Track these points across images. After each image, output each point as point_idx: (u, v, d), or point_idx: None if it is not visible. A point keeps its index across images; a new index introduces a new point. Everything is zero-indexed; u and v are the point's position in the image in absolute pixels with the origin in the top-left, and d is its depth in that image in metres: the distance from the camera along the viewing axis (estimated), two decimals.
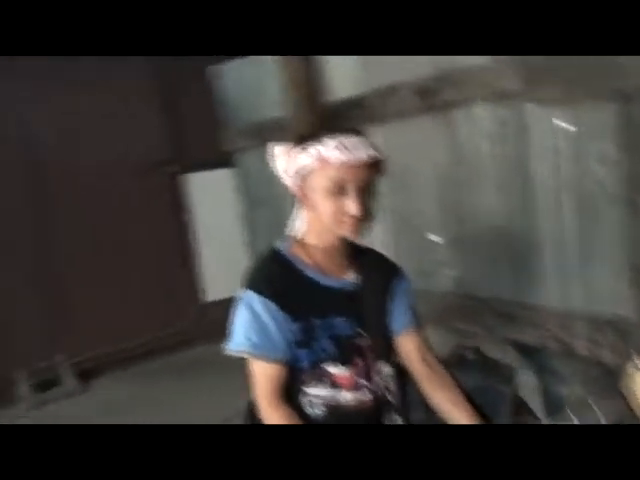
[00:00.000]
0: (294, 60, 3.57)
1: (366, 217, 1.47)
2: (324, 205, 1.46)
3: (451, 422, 1.52)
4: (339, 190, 1.43)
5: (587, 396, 2.23)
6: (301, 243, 1.58)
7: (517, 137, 2.65)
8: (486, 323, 2.92)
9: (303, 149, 1.47)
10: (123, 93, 4.17)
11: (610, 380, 2.29)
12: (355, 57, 3.35)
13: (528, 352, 2.81)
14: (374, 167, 1.47)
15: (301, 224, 1.62)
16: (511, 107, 2.64)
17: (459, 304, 3.07)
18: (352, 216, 1.44)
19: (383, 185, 3.17)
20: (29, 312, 3.98)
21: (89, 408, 3.73)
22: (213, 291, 4.61)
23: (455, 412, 1.52)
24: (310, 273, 1.54)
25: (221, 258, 4.55)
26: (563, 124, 2.45)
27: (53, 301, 4.09)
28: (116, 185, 4.25)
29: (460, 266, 3.07)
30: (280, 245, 1.60)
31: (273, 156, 1.56)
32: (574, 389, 2.63)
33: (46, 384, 3.94)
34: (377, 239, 3.39)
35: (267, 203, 4.44)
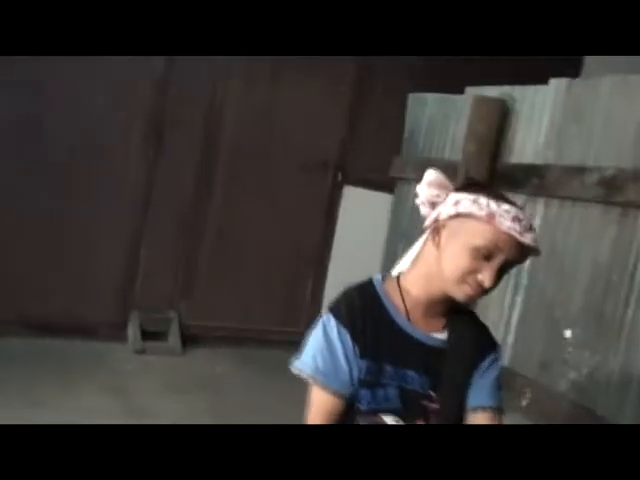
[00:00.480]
0: (490, 111, 3.50)
1: (488, 291, 1.38)
2: (459, 259, 1.36)
3: None
4: (486, 255, 1.34)
5: None
6: (399, 283, 1.49)
7: None
8: None
9: (473, 196, 1.37)
10: (323, 92, 4.36)
11: None
12: (549, 129, 3.23)
13: None
14: (525, 252, 1.38)
15: (408, 264, 1.53)
16: None
17: (571, 411, 2.85)
18: (480, 284, 1.35)
19: (540, 262, 3.13)
20: (163, 263, 4.21)
21: (184, 369, 3.89)
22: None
23: None
24: (395, 315, 1.45)
25: (350, 278, 4.53)
26: None
27: (187, 262, 4.28)
28: (281, 175, 4.38)
29: (585, 373, 2.84)
30: (377, 277, 1.52)
31: (426, 181, 1.45)
32: None
33: (154, 335, 4.14)
34: (515, 312, 3.26)
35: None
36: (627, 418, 2.61)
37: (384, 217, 4.69)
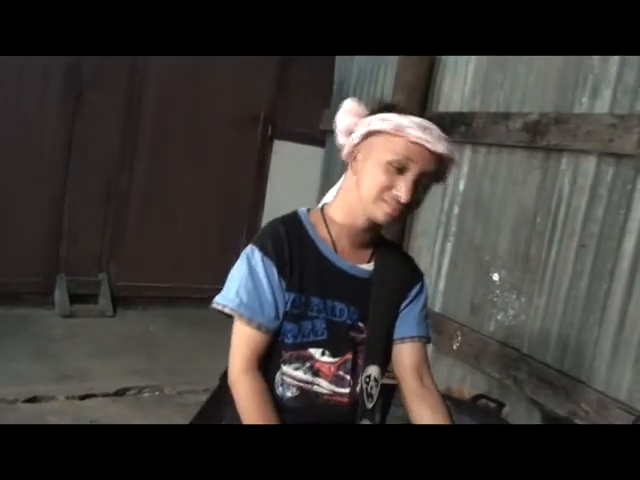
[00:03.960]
0: (418, 61, 3.51)
1: (408, 208, 1.35)
2: (374, 175, 1.34)
3: None
4: (398, 169, 1.32)
5: None
6: (324, 214, 1.46)
7: (617, 205, 2.49)
8: (519, 379, 2.78)
9: (383, 115, 1.35)
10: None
11: None
12: (475, 78, 3.27)
13: (552, 422, 2.67)
14: (442, 165, 1.36)
15: (333, 195, 1.51)
16: (622, 172, 2.49)
17: (498, 351, 2.94)
18: (397, 200, 1.32)
19: (467, 209, 3.18)
20: (88, 225, 4.08)
21: (115, 332, 3.82)
22: None
23: None
24: (322, 247, 1.43)
25: None
26: None
27: (114, 222, 4.16)
28: (210, 130, 4.30)
29: (512, 315, 2.93)
30: (302, 210, 1.49)
31: (344, 110, 1.41)
32: None
33: (83, 298, 4.03)
34: (446, 257, 3.32)
35: None
36: (550, 356, 2.71)
37: (316, 171, 4.67)
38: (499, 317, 3.00)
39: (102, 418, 2.74)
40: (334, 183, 4.82)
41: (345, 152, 1.44)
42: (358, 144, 1.40)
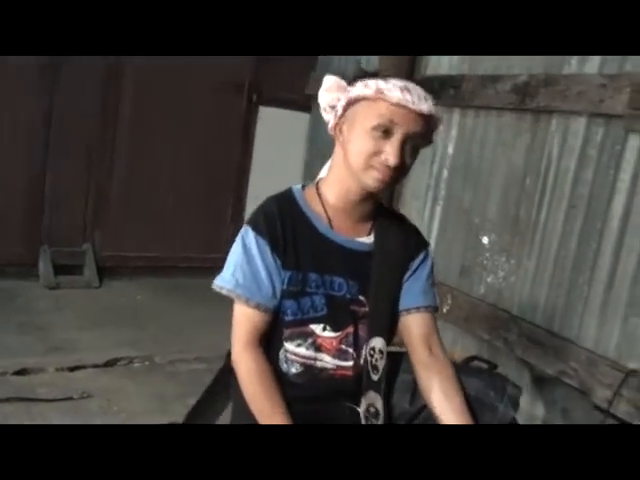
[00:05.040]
0: None
1: (397, 173, 1.34)
2: (360, 143, 1.33)
3: (437, 414, 1.39)
4: (383, 132, 1.30)
5: None
6: (319, 190, 1.46)
7: (606, 165, 2.49)
8: (510, 340, 2.81)
9: (363, 82, 1.34)
10: None
11: None
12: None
13: (542, 382, 2.71)
14: (428, 125, 1.34)
15: (325, 170, 1.50)
16: (612, 132, 2.48)
17: (489, 313, 2.96)
18: (385, 164, 1.31)
19: (457, 172, 3.18)
20: (71, 195, 4.01)
21: (102, 302, 3.79)
22: None
23: (445, 404, 1.38)
24: (316, 222, 1.42)
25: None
26: None
27: (97, 192, 4.10)
28: (194, 97, 4.23)
29: (502, 277, 2.95)
30: (296, 187, 1.48)
31: (324, 87, 1.41)
32: None
33: (68, 269, 3.98)
34: (435, 222, 3.32)
35: (330, 157, 4.36)
36: (540, 317, 2.73)
37: (302, 137, 4.62)
38: (489, 280, 3.02)
39: (94, 389, 2.72)
40: (320, 148, 4.84)
41: (330, 126, 1.44)
42: (342, 115, 1.39)
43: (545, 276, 2.74)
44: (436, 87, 3.18)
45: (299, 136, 4.63)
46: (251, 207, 4.57)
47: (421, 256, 1.53)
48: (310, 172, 4.61)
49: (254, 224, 1.39)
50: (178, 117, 4.20)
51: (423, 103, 1.30)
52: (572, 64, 2.67)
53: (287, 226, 1.39)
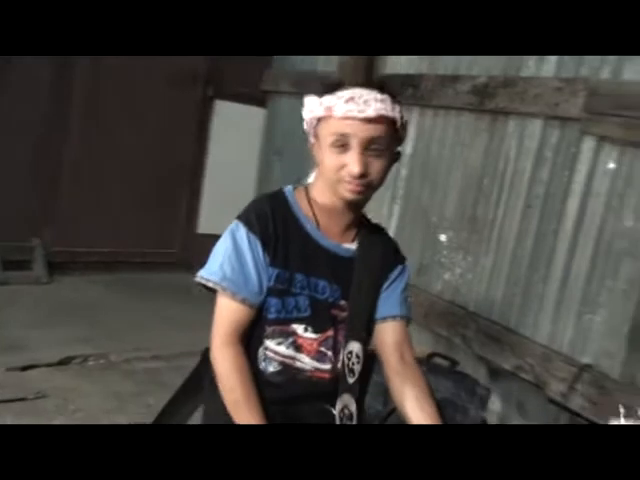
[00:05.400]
0: None
1: (368, 179, 1.35)
2: (327, 160, 1.36)
3: (410, 422, 1.41)
4: (341, 147, 1.33)
5: None
6: (308, 194, 1.48)
7: (562, 167, 2.57)
8: (467, 336, 2.87)
9: (319, 100, 1.36)
10: None
11: None
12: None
13: (499, 376, 2.78)
14: (385, 127, 1.34)
15: (313, 177, 1.52)
16: (567, 135, 2.56)
17: (446, 310, 3.02)
18: (351, 175, 1.33)
19: (415, 171, 3.22)
20: (19, 189, 3.88)
21: (53, 299, 3.69)
22: (205, 224, 4.52)
23: (418, 412, 1.41)
24: (306, 225, 1.44)
25: (223, 193, 4.44)
26: (611, 166, 2.38)
27: (47, 186, 3.98)
28: (148, 91, 4.14)
29: (459, 274, 3.01)
30: (288, 188, 1.50)
31: (306, 109, 1.41)
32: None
33: (16, 264, 3.87)
34: (393, 220, 3.36)
35: (286, 153, 4.37)
36: (497, 313, 2.80)
37: (258, 132, 4.60)
38: (446, 277, 3.08)
39: (49, 389, 2.65)
40: (276, 144, 4.81)
41: (309, 144, 1.46)
42: (313, 135, 1.42)
43: (502, 274, 2.81)
44: (395, 86, 3.21)
45: (255, 131, 4.61)
46: (206, 202, 4.54)
47: (399, 268, 1.56)
48: (265, 167, 4.61)
49: (246, 220, 1.40)
50: (131, 110, 4.11)
51: (370, 108, 1.30)
52: (530, 66, 2.74)
53: (278, 225, 1.40)
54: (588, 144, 2.48)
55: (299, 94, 4.03)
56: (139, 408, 2.67)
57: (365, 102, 1.30)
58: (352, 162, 1.32)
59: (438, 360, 2.50)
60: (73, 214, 4.04)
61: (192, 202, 4.51)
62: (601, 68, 2.45)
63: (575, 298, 2.50)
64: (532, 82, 2.68)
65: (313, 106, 1.37)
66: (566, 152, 2.57)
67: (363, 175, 1.33)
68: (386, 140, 1.36)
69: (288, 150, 4.34)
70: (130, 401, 2.71)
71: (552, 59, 2.63)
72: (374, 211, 3.35)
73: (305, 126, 1.45)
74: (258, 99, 4.50)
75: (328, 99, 1.33)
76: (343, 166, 1.34)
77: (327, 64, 3.88)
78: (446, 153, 3.12)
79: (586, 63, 2.50)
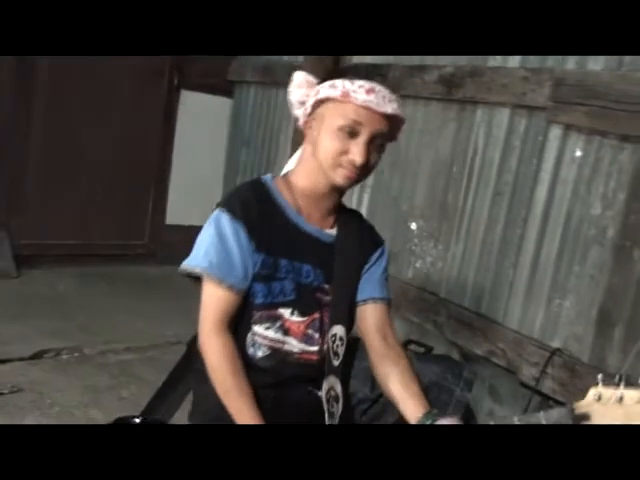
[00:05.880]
0: None
1: (363, 170, 1.41)
2: (328, 142, 1.39)
3: (396, 402, 1.44)
4: (350, 133, 1.36)
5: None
6: (288, 181, 1.50)
7: (530, 155, 2.63)
8: (439, 322, 2.93)
9: (331, 82, 1.39)
10: None
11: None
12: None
13: (471, 361, 2.84)
14: (392, 125, 1.41)
15: (294, 162, 1.55)
16: (534, 123, 2.61)
17: (417, 297, 3.06)
18: (352, 163, 1.37)
19: (384, 161, 3.24)
20: None
21: (22, 293, 3.65)
22: (174, 214, 4.50)
23: (403, 391, 1.44)
24: (288, 211, 1.47)
25: (191, 184, 4.42)
26: (578, 154, 2.44)
27: (11, 178, 3.91)
28: (112, 82, 4.09)
29: (430, 262, 3.06)
30: (267, 177, 1.52)
31: (294, 83, 1.46)
32: (504, 411, 2.68)
33: None
34: (363, 208, 3.38)
35: (252, 142, 4.36)
36: (468, 300, 2.86)
37: (225, 121, 4.58)
38: (417, 265, 3.12)
39: (23, 383, 2.63)
40: (242, 135, 4.79)
41: (300, 122, 1.49)
42: (311, 113, 1.44)
43: (472, 260, 2.86)
44: (362, 75, 3.23)
45: (222, 121, 4.59)
46: (174, 193, 4.50)
47: (379, 251, 1.60)
48: (233, 158, 4.59)
49: (229, 207, 1.41)
50: (97, 101, 4.06)
51: (387, 105, 1.36)
52: (496, 57, 2.78)
53: (262, 211, 1.42)
54: (555, 132, 2.54)
55: (265, 84, 4.10)
56: (115, 402, 2.67)
57: (383, 98, 1.36)
58: (357, 152, 1.36)
59: (413, 347, 2.55)
60: (40, 207, 3.99)
61: (160, 193, 4.47)
62: (566, 58, 2.50)
63: (545, 284, 2.56)
64: (499, 72, 2.73)
65: (324, 86, 1.39)
66: (534, 141, 2.63)
67: (362, 165, 1.38)
68: (388, 137, 1.43)
69: (255, 139, 4.33)
70: (105, 394, 2.71)
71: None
72: (344, 200, 3.40)
73: (294, 99, 1.46)
74: (224, 89, 4.47)
75: (345, 83, 1.36)
76: (344, 152, 1.37)
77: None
78: (415, 142, 3.16)
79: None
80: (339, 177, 1.40)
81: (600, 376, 1.03)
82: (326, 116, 1.40)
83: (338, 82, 1.37)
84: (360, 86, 1.35)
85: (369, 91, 1.34)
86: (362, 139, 1.36)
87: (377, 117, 1.36)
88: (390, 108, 1.36)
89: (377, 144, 1.40)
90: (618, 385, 1.01)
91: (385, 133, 1.40)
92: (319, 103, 1.41)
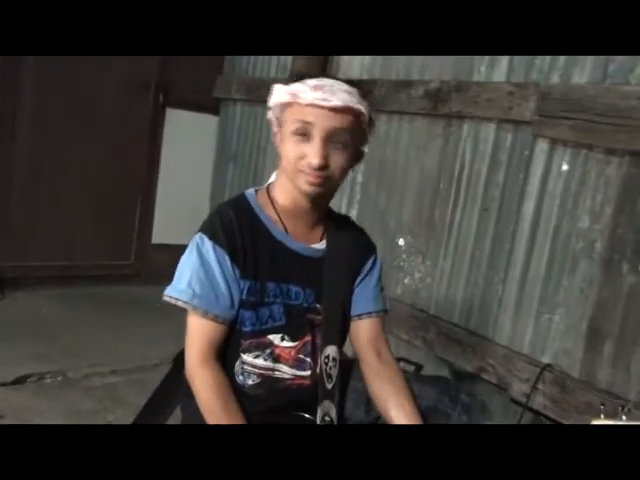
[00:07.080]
0: None
1: (327, 172, 1.32)
2: (287, 149, 1.33)
3: (390, 421, 1.40)
4: (303, 135, 1.30)
5: None
6: (270, 195, 1.44)
7: (516, 169, 2.61)
8: (428, 339, 2.89)
9: (285, 88, 1.34)
10: None
11: None
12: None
13: (462, 378, 2.80)
14: (351, 119, 1.32)
15: (274, 175, 1.49)
16: (520, 138, 2.60)
17: (407, 314, 3.03)
18: (310, 166, 1.30)
19: (371, 176, 3.22)
20: None
21: (5, 316, 3.58)
22: (160, 234, 4.45)
23: (400, 412, 1.39)
24: (273, 230, 1.40)
25: (177, 203, 4.38)
26: (565, 168, 2.42)
27: None
28: (97, 98, 4.05)
29: (419, 278, 3.03)
30: (249, 191, 1.45)
31: (274, 98, 1.39)
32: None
33: None
34: None
35: (239, 159, 4.34)
36: (457, 316, 2.83)
37: (211, 139, 4.55)
38: (406, 281, 3.10)
39: (4, 409, 2.57)
40: (229, 152, 4.77)
41: (273, 136, 1.44)
42: (277, 124, 1.39)
43: (461, 276, 2.84)
44: None
45: (208, 138, 4.56)
46: (160, 211, 4.47)
47: (371, 259, 1.55)
48: (219, 176, 4.56)
49: (211, 232, 1.34)
50: (82, 120, 4.01)
51: (336, 97, 1.28)
52: (481, 71, 2.77)
53: (245, 234, 1.36)
54: (541, 147, 2.52)
55: (252, 101, 4.08)
56: None
57: (332, 92, 1.28)
58: (312, 153, 1.29)
59: (403, 365, 2.51)
60: (24, 228, 3.93)
61: (146, 212, 4.42)
62: (550, 72, 2.50)
63: (534, 298, 2.54)
64: (485, 86, 2.72)
65: (279, 92, 1.34)
66: (520, 155, 2.61)
67: (323, 167, 1.30)
68: (350, 134, 1.33)
69: (242, 157, 4.31)
70: (90, 419, 2.64)
71: (502, 64, 2.68)
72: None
73: (269, 115, 1.41)
74: (210, 106, 4.45)
75: (295, 85, 1.31)
76: (303, 156, 1.31)
77: (280, 70, 3.87)
78: (401, 158, 3.14)
79: (536, 68, 2.55)
80: (303, 183, 1.33)
81: (602, 407, 0.99)
82: (283, 123, 1.35)
83: (290, 86, 1.33)
84: (307, 84, 1.29)
85: (315, 88, 1.28)
86: (316, 139, 1.29)
87: (328, 113, 1.28)
88: (339, 100, 1.27)
89: (338, 142, 1.31)
90: (620, 417, 0.96)
91: (344, 129, 1.31)
92: (280, 111, 1.36)
